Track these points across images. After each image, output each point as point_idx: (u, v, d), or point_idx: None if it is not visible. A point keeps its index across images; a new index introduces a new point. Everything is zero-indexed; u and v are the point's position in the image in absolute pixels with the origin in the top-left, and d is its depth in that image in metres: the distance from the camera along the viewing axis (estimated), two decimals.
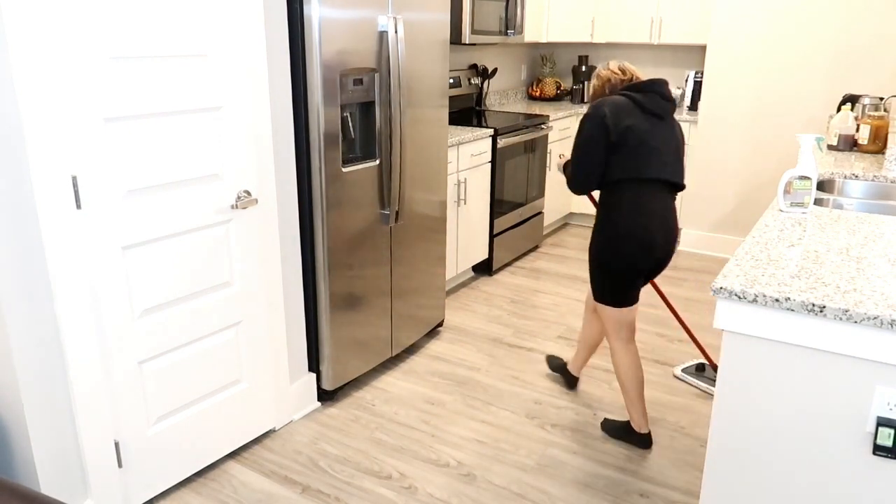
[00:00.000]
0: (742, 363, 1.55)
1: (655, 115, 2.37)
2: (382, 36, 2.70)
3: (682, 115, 4.80)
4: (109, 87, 1.86)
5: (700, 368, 3.13)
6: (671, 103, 2.43)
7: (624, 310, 2.48)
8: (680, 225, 2.40)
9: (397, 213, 2.93)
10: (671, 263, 4.61)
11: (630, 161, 2.34)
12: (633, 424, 2.57)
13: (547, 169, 4.79)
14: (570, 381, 2.99)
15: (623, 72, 2.51)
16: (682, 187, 2.43)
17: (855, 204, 2.61)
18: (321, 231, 2.62)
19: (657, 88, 2.41)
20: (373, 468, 2.44)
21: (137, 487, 2.17)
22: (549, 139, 4.76)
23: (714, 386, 2.85)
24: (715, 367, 3.14)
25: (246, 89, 2.25)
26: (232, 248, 2.32)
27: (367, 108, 2.76)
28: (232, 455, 2.50)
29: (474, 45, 4.76)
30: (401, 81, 2.81)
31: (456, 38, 3.95)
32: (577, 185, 2.44)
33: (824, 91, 4.23)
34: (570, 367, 2.97)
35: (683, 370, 3.13)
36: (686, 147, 2.45)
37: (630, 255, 2.36)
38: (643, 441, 2.56)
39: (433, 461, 2.48)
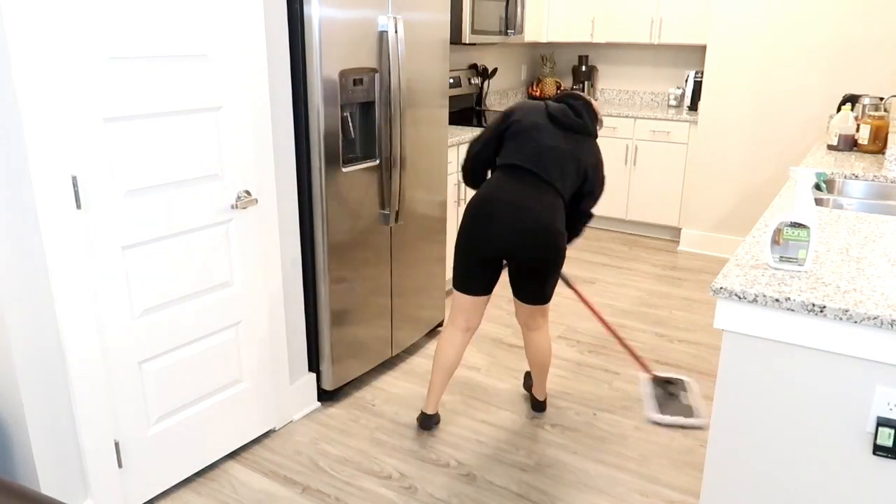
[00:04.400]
0: (742, 363, 1.55)
1: (555, 119, 2.39)
2: (382, 36, 2.70)
3: (681, 115, 4.81)
4: (109, 88, 1.86)
5: (663, 387, 2.91)
6: (582, 121, 2.41)
7: (460, 295, 2.48)
8: (558, 226, 2.32)
9: (397, 213, 2.93)
10: (669, 262, 4.62)
11: (509, 148, 2.39)
12: (426, 405, 2.63)
13: None
14: (535, 405, 2.81)
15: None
16: (556, 188, 2.34)
17: (855, 204, 2.61)
18: (321, 231, 2.62)
19: (569, 100, 2.47)
20: (373, 468, 2.44)
21: (137, 487, 2.17)
22: None
23: (683, 407, 2.80)
24: (655, 378, 2.95)
25: (246, 89, 2.25)
26: (232, 248, 2.32)
27: (367, 108, 2.76)
28: (232, 455, 2.50)
29: (474, 45, 4.76)
30: (401, 81, 2.81)
31: (456, 38, 3.95)
32: (464, 167, 2.55)
33: (824, 91, 4.23)
34: (534, 392, 2.81)
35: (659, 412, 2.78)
36: (599, 173, 2.47)
37: (464, 229, 2.36)
38: (426, 421, 2.62)
39: (433, 461, 2.48)
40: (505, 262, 2.43)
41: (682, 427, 2.71)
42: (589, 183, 2.44)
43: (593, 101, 2.53)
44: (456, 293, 2.49)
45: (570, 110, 2.42)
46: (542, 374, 2.70)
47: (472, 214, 2.34)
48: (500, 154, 2.44)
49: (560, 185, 2.34)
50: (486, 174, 2.56)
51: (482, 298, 2.48)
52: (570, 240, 2.51)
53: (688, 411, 2.76)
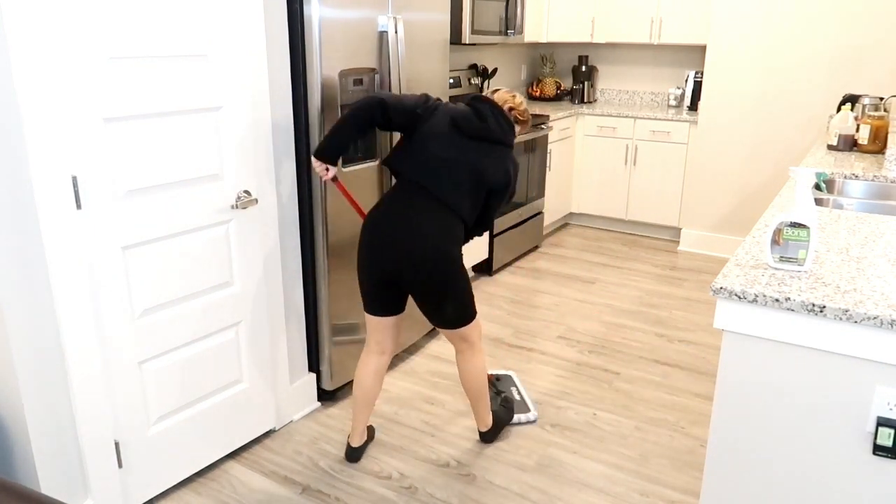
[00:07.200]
0: (742, 363, 1.55)
1: (458, 125, 2.20)
2: (382, 36, 2.70)
3: (681, 115, 4.81)
4: (109, 87, 1.86)
5: (493, 387, 2.87)
6: (486, 125, 2.21)
7: (368, 315, 2.34)
8: (444, 247, 2.16)
9: None
10: (669, 262, 4.62)
11: (406, 152, 2.21)
12: (352, 438, 2.47)
13: (547, 169, 4.79)
14: (481, 436, 2.60)
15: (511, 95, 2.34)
16: (447, 204, 2.17)
17: (855, 204, 2.61)
18: (321, 231, 2.62)
19: (474, 104, 2.26)
20: (373, 468, 2.44)
21: (137, 487, 2.17)
22: (549, 139, 4.76)
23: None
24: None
25: (246, 89, 2.25)
26: (232, 248, 2.32)
27: None
28: (232, 455, 2.50)
29: (474, 45, 4.76)
30: (401, 81, 2.81)
31: (456, 38, 3.95)
32: (376, 103, 2.16)
33: (824, 91, 4.23)
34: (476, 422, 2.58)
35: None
36: (510, 185, 2.27)
37: (359, 250, 2.24)
38: (352, 453, 2.46)
39: (433, 461, 2.48)
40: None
41: (519, 423, 2.71)
42: (495, 195, 2.26)
43: (518, 100, 2.32)
44: (365, 313, 2.36)
45: (475, 115, 2.22)
46: (474, 401, 2.47)
47: (365, 238, 2.22)
48: (401, 150, 2.23)
49: (453, 201, 2.16)
50: (371, 130, 2.27)
51: (389, 320, 2.33)
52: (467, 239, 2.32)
53: (521, 407, 2.77)
